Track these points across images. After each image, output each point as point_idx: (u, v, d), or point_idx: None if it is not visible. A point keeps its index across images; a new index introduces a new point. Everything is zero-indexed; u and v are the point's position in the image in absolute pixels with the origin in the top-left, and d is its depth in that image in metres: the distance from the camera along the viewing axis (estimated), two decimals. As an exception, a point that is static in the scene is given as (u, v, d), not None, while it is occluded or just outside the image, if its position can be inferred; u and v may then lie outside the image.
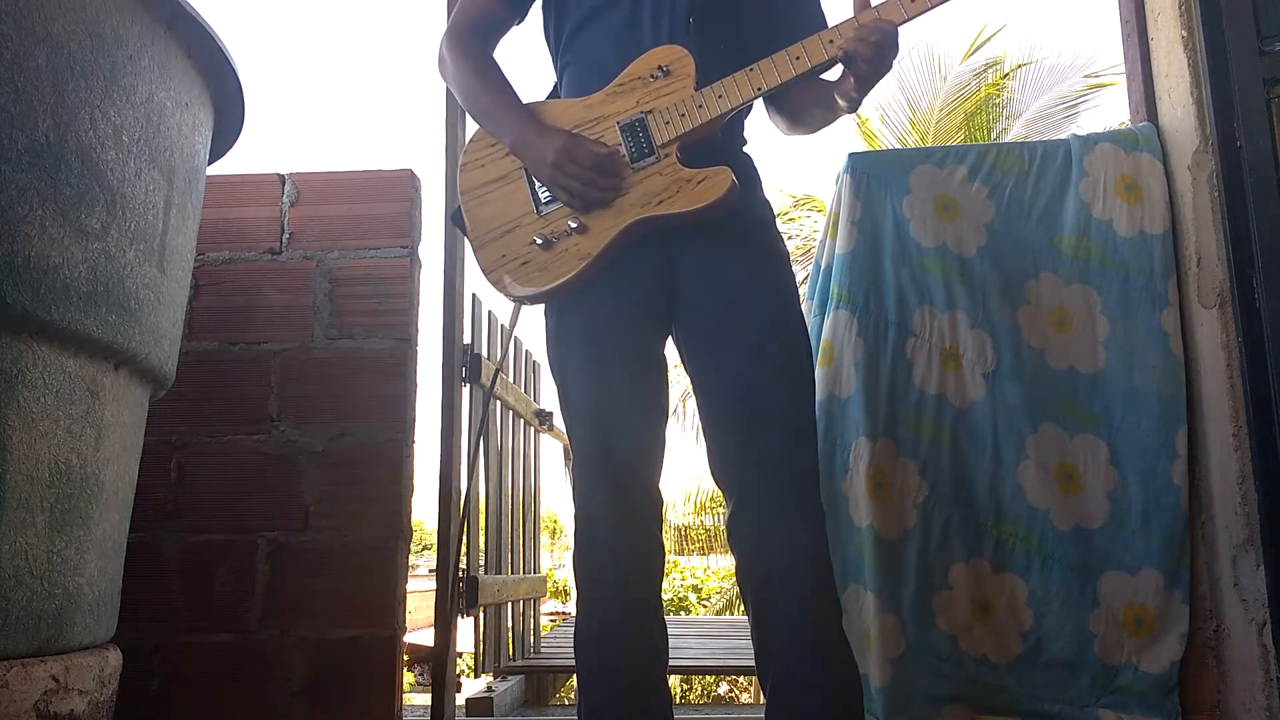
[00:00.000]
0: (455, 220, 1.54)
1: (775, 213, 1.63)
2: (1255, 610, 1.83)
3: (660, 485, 1.50)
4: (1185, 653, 1.96)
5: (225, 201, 2.15)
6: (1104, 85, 9.59)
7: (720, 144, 1.47)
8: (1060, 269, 2.14)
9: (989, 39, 9.80)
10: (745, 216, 1.47)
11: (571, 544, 1.49)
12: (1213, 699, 1.95)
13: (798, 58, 1.40)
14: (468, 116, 2.14)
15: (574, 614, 1.56)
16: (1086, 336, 2.11)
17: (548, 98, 1.58)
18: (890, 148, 9.37)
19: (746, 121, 1.59)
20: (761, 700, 1.53)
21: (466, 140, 1.86)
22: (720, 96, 1.41)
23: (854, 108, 1.46)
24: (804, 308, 2.30)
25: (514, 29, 1.62)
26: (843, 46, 1.37)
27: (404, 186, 2.18)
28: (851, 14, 1.39)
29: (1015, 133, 9.67)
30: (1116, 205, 2.12)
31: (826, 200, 10.98)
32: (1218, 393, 1.94)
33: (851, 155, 2.27)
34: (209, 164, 1.61)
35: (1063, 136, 2.53)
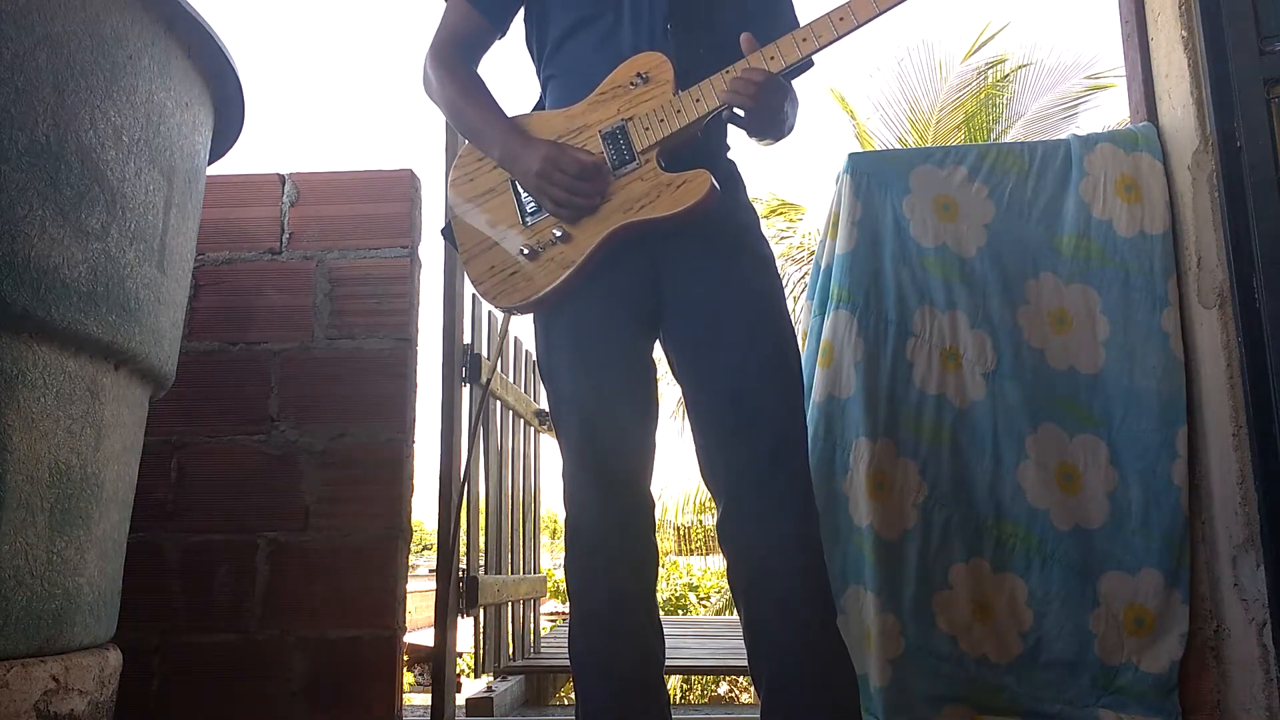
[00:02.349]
0: (446, 234, 1.56)
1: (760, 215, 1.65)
2: (1255, 610, 1.83)
3: (651, 487, 1.50)
4: (1185, 653, 1.96)
5: (225, 201, 2.15)
6: (1104, 87, 9.59)
7: (702, 149, 1.48)
8: (1060, 269, 2.14)
9: (990, 39, 9.78)
10: (729, 221, 1.48)
11: (564, 548, 1.49)
12: (1213, 699, 1.95)
13: (772, 57, 1.41)
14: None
15: (568, 616, 1.56)
16: (1086, 336, 2.11)
17: (533, 110, 1.59)
18: (889, 148, 9.36)
19: (730, 127, 1.59)
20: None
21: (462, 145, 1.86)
22: (697, 100, 1.42)
23: (764, 143, 1.53)
24: (804, 308, 2.31)
25: (496, 43, 1.63)
26: (724, 95, 1.39)
27: (404, 186, 2.18)
28: (823, 13, 1.42)
29: (1015, 133, 9.67)
30: (1116, 205, 2.12)
31: (803, 204, 10.94)
32: (1218, 393, 1.94)
33: (852, 155, 2.28)
34: (209, 164, 1.61)
35: (1062, 137, 2.52)
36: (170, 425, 2.04)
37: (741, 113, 1.42)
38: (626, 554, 1.44)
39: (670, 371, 1.54)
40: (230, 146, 1.70)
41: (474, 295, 2.48)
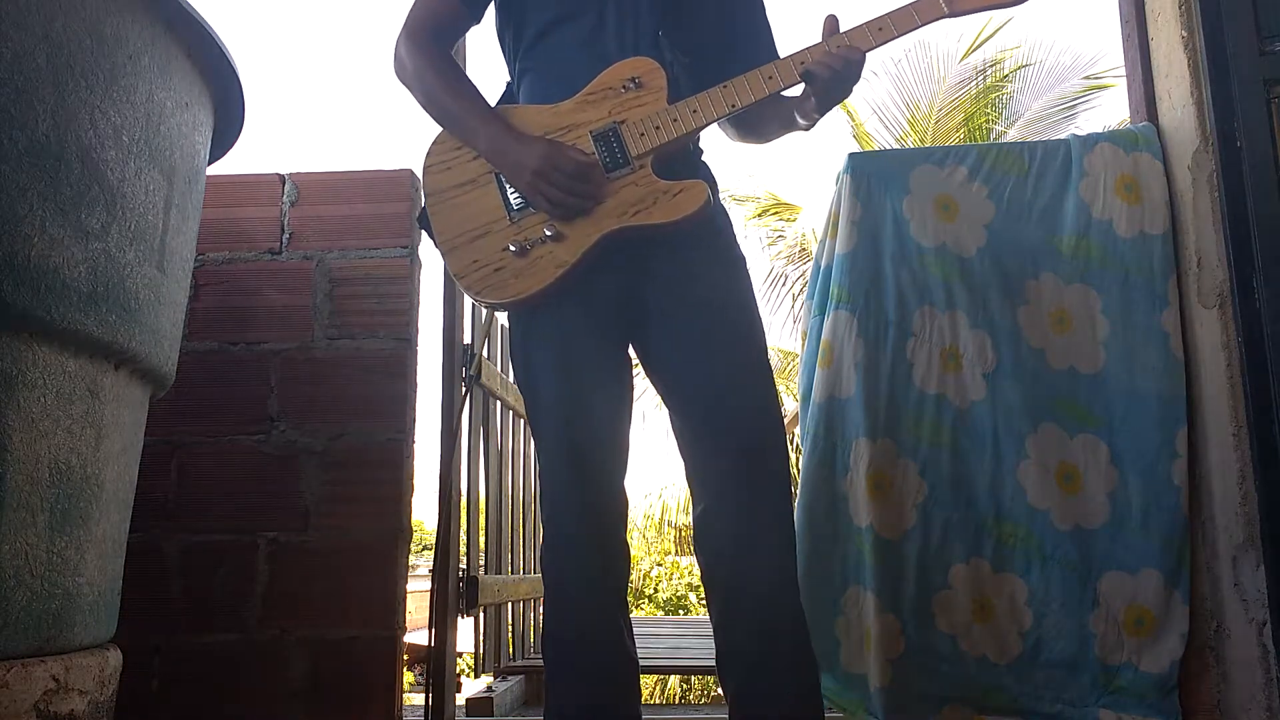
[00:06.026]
0: (422, 222, 1.53)
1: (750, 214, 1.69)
2: (1255, 610, 1.83)
3: (626, 487, 1.51)
4: (1185, 653, 1.96)
5: (225, 201, 2.14)
6: (1104, 87, 9.57)
7: (689, 155, 1.50)
8: (1060, 269, 2.14)
9: (988, 38, 9.72)
10: (709, 226, 1.48)
11: (543, 542, 1.51)
12: (1213, 699, 1.95)
13: (770, 77, 1.43)
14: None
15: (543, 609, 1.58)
16: (1086, 337, 2.11)
17: (501, 100, 1.58)
18: (888, 148, 9.34)
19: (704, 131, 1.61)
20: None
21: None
22: (695, 111, 1.42)
23: (811, 126, 1.51)
24: (804, 308, 2.31)
25: (471, 30, 1.63)
26: (809, 66, 1.41)
27: (404, 186, 2.17)
28: (820, 39, 1.43)
29: (1014, 134, 9.65)
30: (1116, 205, 2.12)
31: (798, 204, 10.86)
32: (1218, 393, 1.94)
33: (851, 155, 2.28)
34: (209, 164, 1.61)
35: (1062, 137, 2.52)
36: (170, 425, 2.04)
37: (825, 84, 1.40)
38: (601, 553, 1.45)
39: (643, 370, 1.55)
40: (230, 146, 1.70)
41: (474, 295, 2.47)
